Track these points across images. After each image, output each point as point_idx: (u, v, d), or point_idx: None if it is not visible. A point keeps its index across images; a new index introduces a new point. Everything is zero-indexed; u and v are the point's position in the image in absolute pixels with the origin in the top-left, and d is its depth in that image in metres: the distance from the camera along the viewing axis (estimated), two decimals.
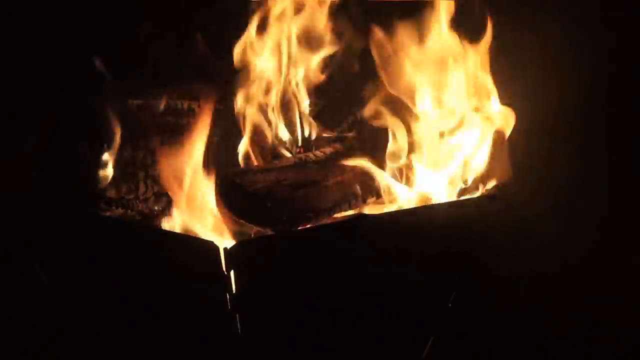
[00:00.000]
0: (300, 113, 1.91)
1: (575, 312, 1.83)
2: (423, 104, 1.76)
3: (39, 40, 1.90)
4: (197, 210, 1.67)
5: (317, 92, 1.92)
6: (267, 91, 1.89)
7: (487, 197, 1.71)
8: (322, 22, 1.86)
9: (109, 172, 1.87)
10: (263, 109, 1.89)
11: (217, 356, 1.53)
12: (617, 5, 1.95)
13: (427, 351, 1.67)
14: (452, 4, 1.75)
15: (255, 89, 1.88)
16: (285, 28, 1.86)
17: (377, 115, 1.78)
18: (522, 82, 1.83)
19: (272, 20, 1.86)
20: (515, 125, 1.73)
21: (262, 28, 1.86)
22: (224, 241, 1.64)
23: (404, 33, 1.75)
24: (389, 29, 1.76)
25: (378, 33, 1.76)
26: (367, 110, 1.80)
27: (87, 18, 1.92)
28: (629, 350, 1.74)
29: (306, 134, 1.92)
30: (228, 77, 1.88)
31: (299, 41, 1.87)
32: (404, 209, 1.71)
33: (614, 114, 2.00)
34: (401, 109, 1.78)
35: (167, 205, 1.84)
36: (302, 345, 1.54)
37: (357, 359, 1.60)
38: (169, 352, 1.57)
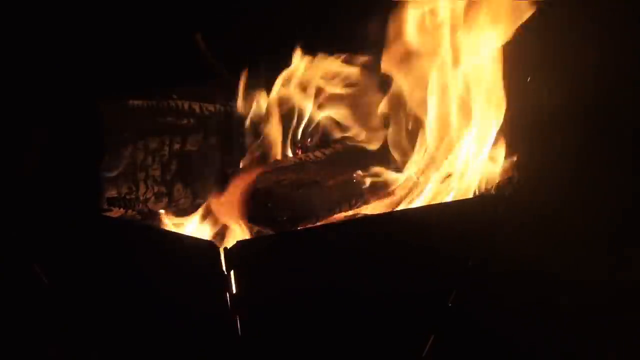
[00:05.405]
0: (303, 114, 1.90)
1: (575, 313, 1.83)
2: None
3: (39, 41, 1.90)
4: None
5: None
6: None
7: (488, 197, 1.70)
8: None
9: (109, 172, 1.86)
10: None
11: (217, 356, 1.53)
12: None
13: (427, 351, 1.67)
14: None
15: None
16: None
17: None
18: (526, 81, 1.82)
19: None
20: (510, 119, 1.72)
21: None
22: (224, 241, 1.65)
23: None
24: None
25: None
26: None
27: (85, 18, 1.92)
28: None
29: (307, 134, 1.91)
30: (228, 77, 1.88)
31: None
32: (404, 209, 1.71)
33: (620, 115, 1.99)
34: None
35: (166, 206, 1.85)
36: (302, 345, 1.54)
37: (357, 359, 1.60)
38: (169, 352, 1.57)
